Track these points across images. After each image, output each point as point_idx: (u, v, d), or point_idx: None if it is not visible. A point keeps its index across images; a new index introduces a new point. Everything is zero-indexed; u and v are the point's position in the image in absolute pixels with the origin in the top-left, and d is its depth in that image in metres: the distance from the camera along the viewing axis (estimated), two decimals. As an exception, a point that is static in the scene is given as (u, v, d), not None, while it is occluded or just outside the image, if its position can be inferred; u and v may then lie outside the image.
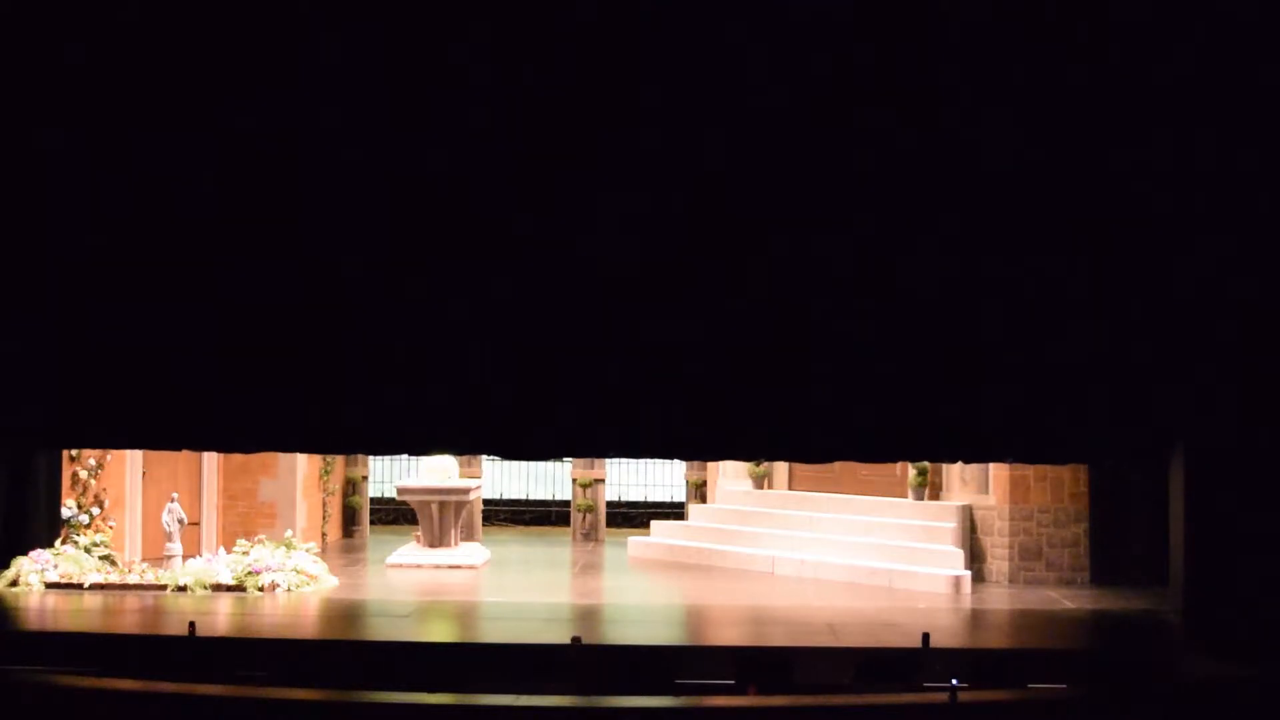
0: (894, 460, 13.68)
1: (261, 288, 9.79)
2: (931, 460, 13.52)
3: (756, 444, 10.75)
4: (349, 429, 10.19)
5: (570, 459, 17.36)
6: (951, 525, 13.69)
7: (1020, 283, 9.64)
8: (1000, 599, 12.90)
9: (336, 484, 16.69)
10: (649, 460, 18.26)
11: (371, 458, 17.62)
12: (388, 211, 9.68)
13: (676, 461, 17.90)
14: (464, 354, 9.83)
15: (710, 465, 16.24)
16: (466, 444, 12.17)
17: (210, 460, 15.20)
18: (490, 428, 10.06)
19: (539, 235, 9.66)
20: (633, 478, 18.51)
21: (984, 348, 9.76)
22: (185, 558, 13.52)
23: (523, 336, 9.75)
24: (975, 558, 13.72)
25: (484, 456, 17.36)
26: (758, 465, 15.32)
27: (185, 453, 14.98)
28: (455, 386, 9.89)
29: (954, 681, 7.14)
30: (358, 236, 9.71)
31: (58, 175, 9.73)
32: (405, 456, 18.47)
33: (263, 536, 13.97)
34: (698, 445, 10.87)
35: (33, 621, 11.52)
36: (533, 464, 18.64)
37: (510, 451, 11.52)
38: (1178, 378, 9.76)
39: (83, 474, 13.96)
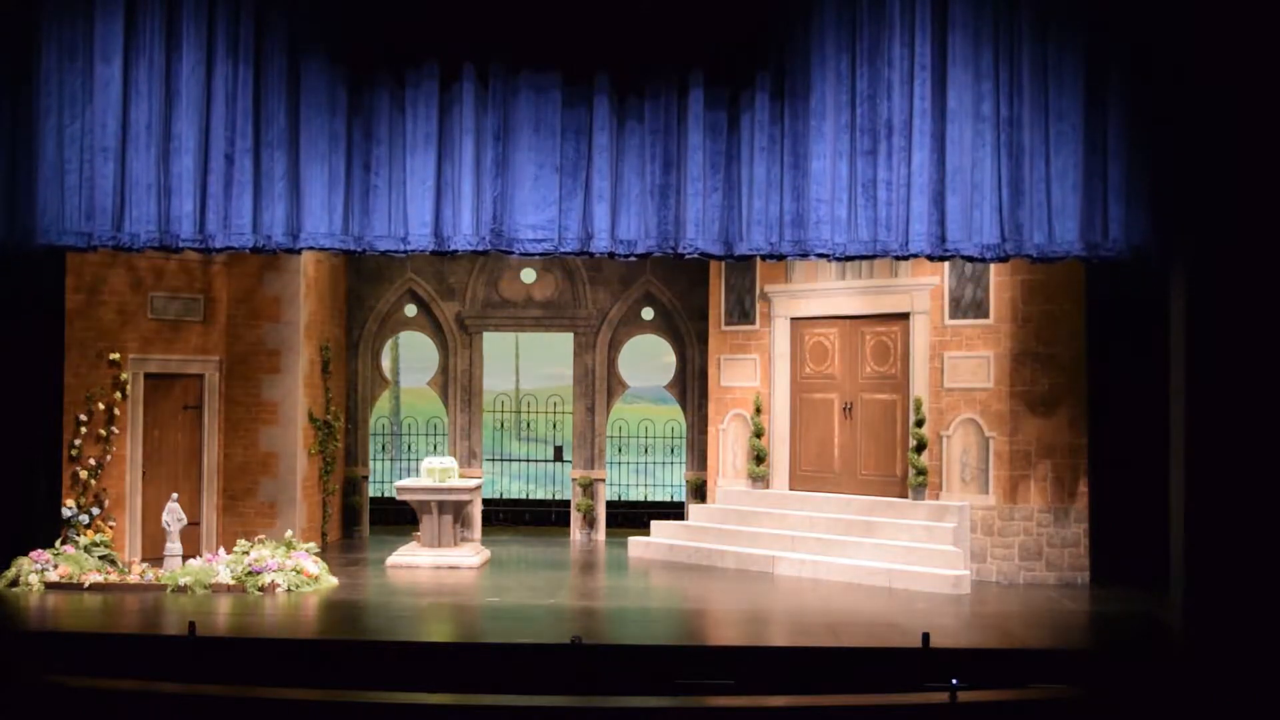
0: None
1: None
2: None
3: None
4: None
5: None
6: (951, 525, 13.69)
7: None
8: (1000, 599, 12.91)
9: (336, 484, 16.68)
10: (648, 460, 18.28)
11: (371, 459, 17.63)
12: None
13: (677, 461, 17.90)
14: None
15: (710, 465, 16.24)
16: None
17: (210, 460, 15.21)
18: None
19: None
20: (633, 478, 18.50)
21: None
22: (185, 558, 13.53)
23: None
24: (975, 558, 13.72)
25: (484, 456, 17.37)
26: (758, 465, 15.34)
27: (185, 453, 14.99)
28: None
29: (954, 681, 7.14)
30: None
31: None
32: (404, 457, 18.49)
33: (263, 536, 13.98)
34: None
35: (33, 621, 11.52)
36: (532, 464, 18.62)
37: None
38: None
39: (83, 474, 13.97)
